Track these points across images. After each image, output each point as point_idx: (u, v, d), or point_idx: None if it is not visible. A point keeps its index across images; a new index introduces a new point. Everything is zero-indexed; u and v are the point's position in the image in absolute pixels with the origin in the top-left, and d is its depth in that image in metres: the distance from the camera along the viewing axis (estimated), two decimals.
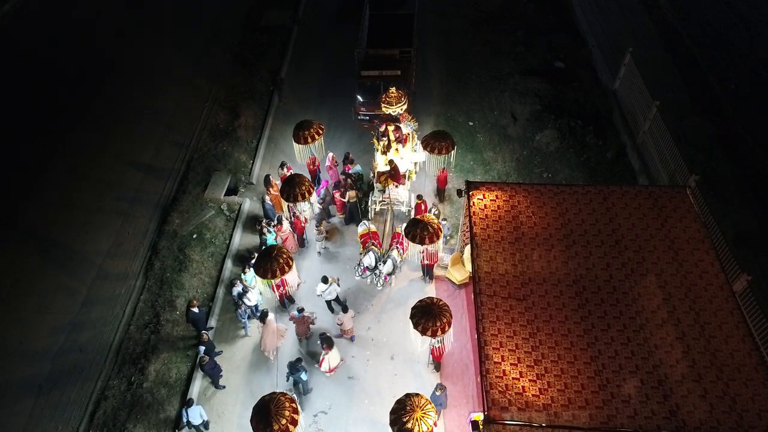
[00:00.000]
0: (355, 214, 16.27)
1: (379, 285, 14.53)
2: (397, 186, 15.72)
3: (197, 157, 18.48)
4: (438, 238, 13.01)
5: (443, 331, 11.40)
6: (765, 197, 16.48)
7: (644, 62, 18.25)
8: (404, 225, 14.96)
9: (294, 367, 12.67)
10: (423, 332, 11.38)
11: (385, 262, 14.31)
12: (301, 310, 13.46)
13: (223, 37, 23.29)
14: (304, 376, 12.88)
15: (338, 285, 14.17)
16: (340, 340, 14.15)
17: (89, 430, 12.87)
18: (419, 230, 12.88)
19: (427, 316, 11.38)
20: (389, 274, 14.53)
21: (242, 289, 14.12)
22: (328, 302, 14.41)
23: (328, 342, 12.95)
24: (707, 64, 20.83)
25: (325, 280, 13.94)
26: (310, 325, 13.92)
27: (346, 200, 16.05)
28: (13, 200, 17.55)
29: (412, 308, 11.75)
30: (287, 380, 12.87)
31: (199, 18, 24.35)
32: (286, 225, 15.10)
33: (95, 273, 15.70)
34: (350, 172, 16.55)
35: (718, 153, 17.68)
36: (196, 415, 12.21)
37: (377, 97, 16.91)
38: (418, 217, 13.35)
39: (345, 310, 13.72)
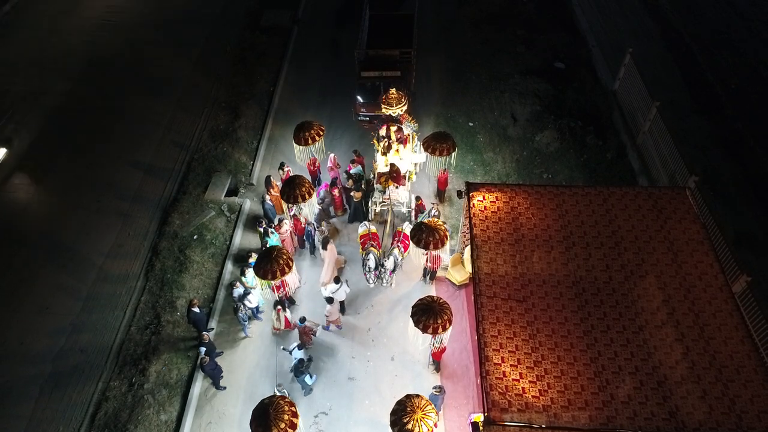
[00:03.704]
0: (359, 212, 16.28)
1: (386, 283, 14.67)
2: (397, 187, 15.73)
3: (197, 158, 18.50)
4: (443, 244, 13.00)
5: (444, 329, 11.43)
6: (765, 197, 16.49)
7: (644, 61, 18.25)
8: (406, 225, 15.06)
9: (298, 369, 12.72)
10: (424, 330, 11.41)
11: (386, 260, 14.37)
12: (303, 320, 13.46)
13: (223, 37, 23.27)
14: (308, 380, 12.96)
15: (348, 286, 14.21)
16: (335, 337, 14.17)
17: None
18: (425, 235, 12.88)
19: (428, 314, 11.42)
20: (392, 271, 14.60)
21: (243, 291, 14.13)
22: (329, 299, 14.31)
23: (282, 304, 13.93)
24: (708, 63, 20.82)
25: (336, 280, 13.98)
26: (312, 336, 13.90)
27: (350, 197, 16.07)
28: (14, 201, 17.58)
29: (413, 307, 11.79)
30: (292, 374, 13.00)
31: (199, 17, 24.33)
32: (285, 226, 15.11)
33: (96, 274, 15.73)
34: (351, 172, 16.58)
35: (719, 152, 17.70)
36: (298, 354, 12.90)
37: (377, 98, 16.91)
38: (426, 221, 13.33)
39: (330, 302, 13.72)
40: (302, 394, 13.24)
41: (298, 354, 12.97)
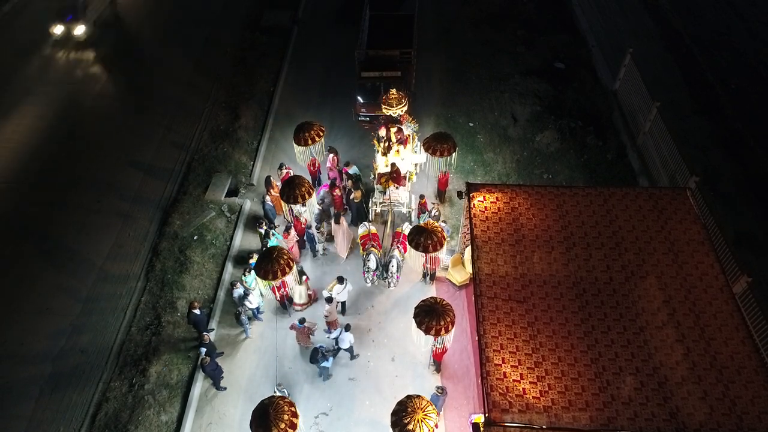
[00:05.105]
0: (362, 213, 16.31)
1: (392, 285, 14.81)
2: (397, 187, 15.73)
3: (198, 158, 18.49)
4: (441, 246, 13.01)
5: (447, 331, 11.42)
6: (765, 197, 16.50)
7: (644, 61, 18.26)
8: (406, 226, 15.07)
9: (314, 358, 12.88)
10: (427, 331, 11.40)
11: (389, 262, 14.40)
12: (302, 321, 13.46)
13: (223, 37, 23.26)
14: (327, 363, 13.06)
15: (350, 286, 14.26)
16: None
17: None
18: (423, 239, 12.88)
19: (431, 315, 11.42)
20: (397, 273, 14.68)
21: (243, 292, 14.12)
22: (329, 299, 14.35)
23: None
24: (708, 63, 20.84)
25: (340, 280, 14.00)
26: (310, 336, 13.91)
27: (350, 199, 16.09)
28: (14, 201, 17.58)
29: (416, 308, 11.78)
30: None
31: (199, 18, 24.32)
32: (293, 233, 15.07)
33: (96, 274, 15.73)
34: (349, 172, 16.58)
35: (719, 153, 17.72)
36: (346, 340, 13.15)
37: (377, 98, 16.90)
38: (422, 224, 13.34)
39: (330, 301, 13.71)
40: (321, 380, 13.47)
41: (345, 336, 13.14)
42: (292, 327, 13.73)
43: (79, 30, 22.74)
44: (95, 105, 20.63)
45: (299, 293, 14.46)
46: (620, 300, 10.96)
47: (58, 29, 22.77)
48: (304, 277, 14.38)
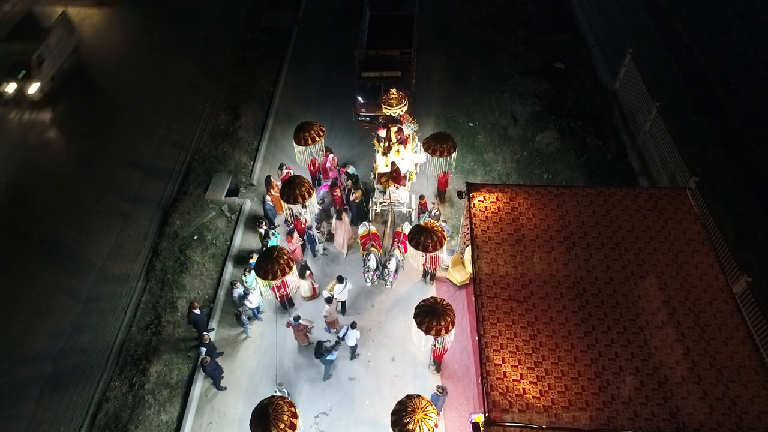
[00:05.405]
0: (362, 213, 16.32)
1: (388, 284, 14.83)
2: (397, 187, 15.74)
3: (198, 158, 18.50)
4: (441, 246, 13.03)
5: (447, 331, 11.43)
6: (765, 197, 16.51)
7: (644, 61, 18.26)
8: (406, 225, 15.08)
9: (319, 352, 12.92)
10: (427, 331, 11.41)
11: (389, 261, 14.42)
12: (297, 319, 13.49)
13: (223, 37, 23.26)
14: (332, 357, 13.11)
15: (350, 286, 14.31)
16: (334, 337, 14.21)
17: None
18: (423, 238, 12.89)
19: (432, 315, 11.43)
20: (395, 272, 14.68)
21: (243, 292, 14.13)
22: (329, 299, 14.38)
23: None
24: (708, 63, 20.84)
25: (340, 279, 14.03)
26: (308, 334, 13.93)
27: (351, 199, 16.11)
28: (14, 201, 17.58)
29: (416, 308, 11.79)
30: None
31: (199, 18, 24.32)
32: (296, 236, 15.07)
33: (96, 274, 15.75)
34: (349, 172, 16.58)
35: (719, 153, 17.72)
36: (352, 337, 13.26)
37: (378, 98, 16.91)
38: (422, 224, 13.36)
39: (329, 302, 13.76)
40: (321, 380, 13.47)
41: (352, 334, 13.22)
42: (288, 324, 13.74)
43: (33, 88, 20.24)
44: (94, 104, 20.59)
45: (304, 288, 14.67)
46: (620, 300, 10.97)
47: (11, 87, 20.21)
48: (308, 272, 14.55)
